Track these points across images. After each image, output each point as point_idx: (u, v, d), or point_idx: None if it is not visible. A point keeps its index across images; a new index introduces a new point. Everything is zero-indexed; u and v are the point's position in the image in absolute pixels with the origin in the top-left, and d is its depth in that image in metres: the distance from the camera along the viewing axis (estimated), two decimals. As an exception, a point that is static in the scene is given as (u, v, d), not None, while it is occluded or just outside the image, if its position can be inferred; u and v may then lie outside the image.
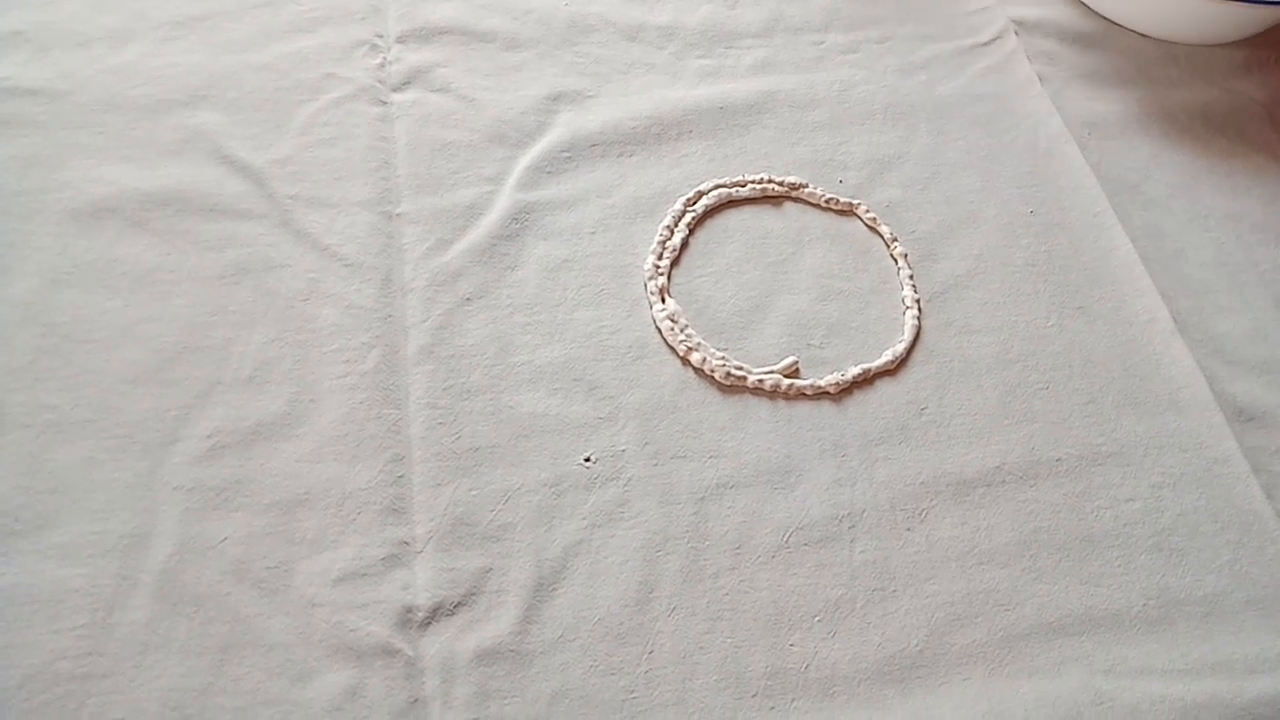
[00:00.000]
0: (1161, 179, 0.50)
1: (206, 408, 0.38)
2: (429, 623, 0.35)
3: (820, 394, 0.41)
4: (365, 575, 0.35)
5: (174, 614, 0.34)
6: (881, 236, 0.46)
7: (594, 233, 0.45)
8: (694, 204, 0.46)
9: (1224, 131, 0.52)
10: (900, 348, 0.42)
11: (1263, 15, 0.52)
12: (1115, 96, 0.53)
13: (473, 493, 0.37)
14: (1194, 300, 0.45)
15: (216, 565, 0.35)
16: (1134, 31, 0.55)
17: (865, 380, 0.41)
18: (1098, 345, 0.43)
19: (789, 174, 0.47)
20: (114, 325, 0.40)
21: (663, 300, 0.43)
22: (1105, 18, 0.56)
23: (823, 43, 0.54)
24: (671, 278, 0.44)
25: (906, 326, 0.43)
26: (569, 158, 0.47)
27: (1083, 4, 0.57)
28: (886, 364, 0.42)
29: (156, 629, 0.34)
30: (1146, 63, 0.54)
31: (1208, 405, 0.41)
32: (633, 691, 0.34)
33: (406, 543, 0.36)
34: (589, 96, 0.50)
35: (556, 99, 0.49)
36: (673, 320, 0.42)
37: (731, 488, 0.38)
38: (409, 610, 0.35)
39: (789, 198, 0.47)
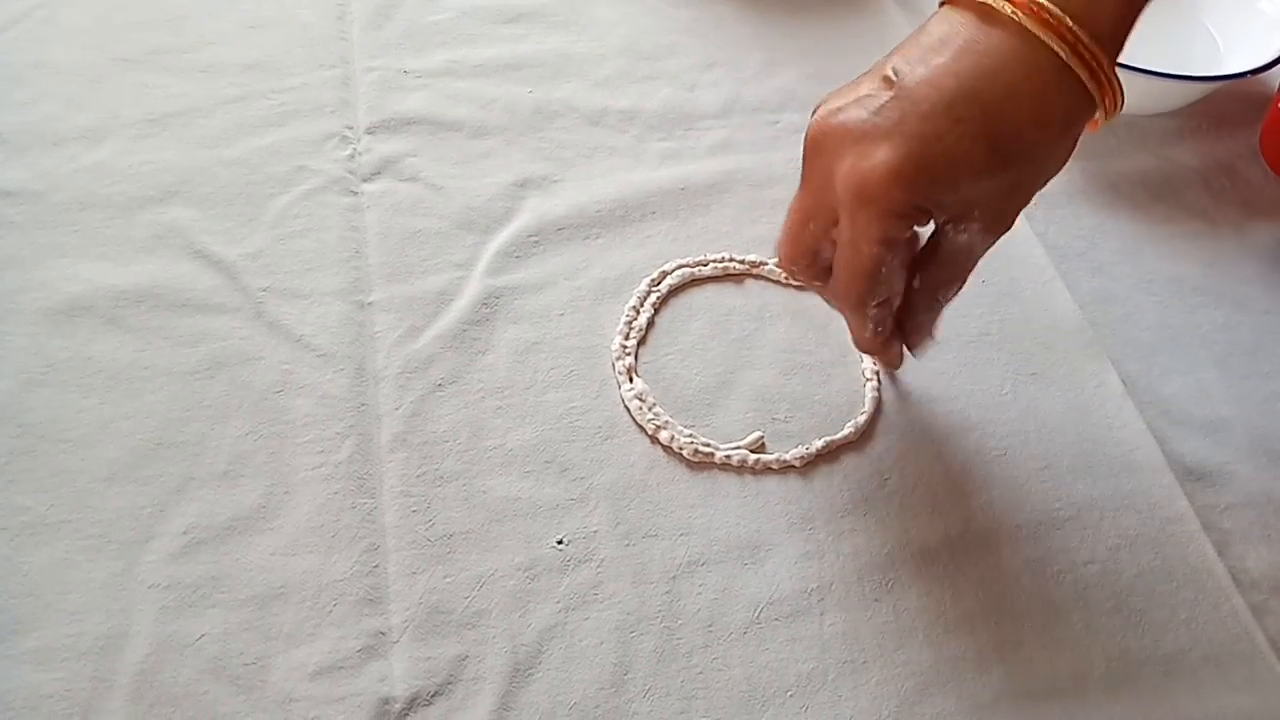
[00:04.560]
0: (1106, 246, 0.52)
1: (181, 504, 0.39)
2: (406, 714, 0.35)
3: (786, 468, 0.42)
4: (342, 668, 0.36)
5: (150, 715, 0.34)
6: (840, 310, 0.47)
7: (562, 315, 0.46)
8: (658, 284, 0.48)
9: (1163, 198, 0.54)
10: (862, 419, 0.43)
11: (1193, 89, 0.55)
12: (1059, 167, 0.55)
13: (447, 580, 0.38)
14: (1141, 363, 0.47)
15: (193, 664, 0.35)
16: (1073, 104, 0.58)
17: (829, 453, 0.43)
18: (1051, 411, 0.45)
19: (750, 252, 0.49)
20: (89, 424, 0.41)
21: (630, 380, 0.44)
22: (1046, 91, 0.59)
23: (778, 122, 0.56)
24: (639, 357, 0.45)
25: (867, 398, 0.44)
26: (536, 242, 0.49)
27: (1024, 78, 0.59)
28: (849, 436, 0.43)
29: (133, 732, 0.34)
30: (1087, 134, 0.57)
31: (1159, 466, 0.43)
32: (610, 776, 0.34)
33: (383, 633, 0.37)
34: (554, 181, 0.51)
35: (523, 185, 0.51)
36: (641, 399, 0.43)
37: (702, 565, 0.39)
38: (386, 702, 0.35)
39: (750, 275, 0.49)
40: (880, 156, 0.31)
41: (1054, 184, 0.53)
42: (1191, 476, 0.43)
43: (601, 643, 0.37)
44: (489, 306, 0.46)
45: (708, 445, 0.42)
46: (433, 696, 0.35)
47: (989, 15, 0.32)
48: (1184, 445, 0.44)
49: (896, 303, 0.36)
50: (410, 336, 0.45)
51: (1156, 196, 0.54)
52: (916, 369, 0.45)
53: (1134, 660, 0.38)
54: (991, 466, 0.43)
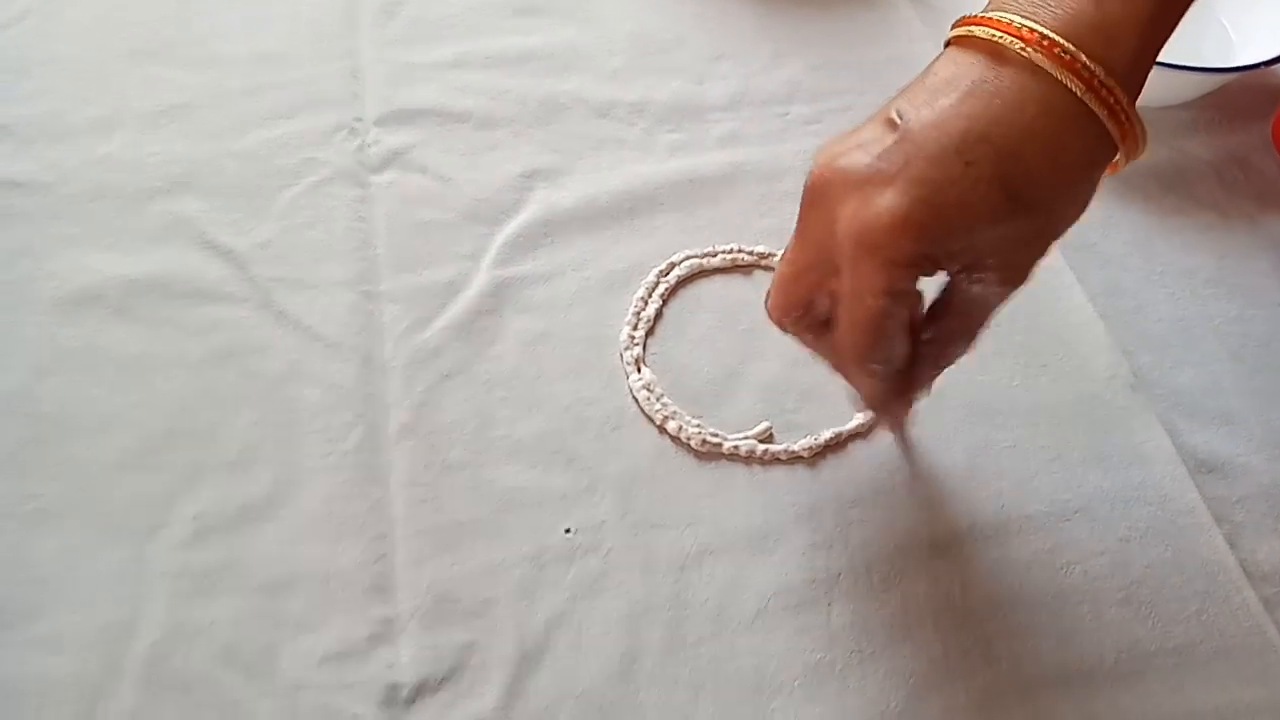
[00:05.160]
0: (1118, 237, 0.51)
1: (192, 492, 0.39)
2: (413, 700, 0.35)
3: (794, 458, 0.42)
4: (350, 655, 0.36)
5: (160, 701, 0.34)
6: (849, 302, 0.47)
7: (570, 306, 0.46)
8: (667, 275, 0.48)
9: (1174, 190, 0.54)
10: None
11: (1205, 81, 0.54)
12: (1069, 158, 0.55)
13: (455, 568, 0.38)
14: (1153, 355, 0.46)
15: (203, 650, 0.35)
16: (1084, 96, 0.58)
17: (838, 444, 0.42)
18: (1062, 403, 0.44)
19: (758, 243, 0.49)
20: (99, 413, 0.41)
21: (639, 370, 0.44)
22: (1056, 83, 0.58)
23: (787, 114, 0.56)
24: (647, 348, 0.45)
25: (876, 389, 0.44)
26: (545, 233, 0.49)
27: (1034, 70, 0.59)
28: (858, 427, 0.43)
29: (142, 718, 0.34)
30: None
31: (1170, 458, 0.43)
32: (618, 764, 0.34)
33: (390, 621, 0.37)
34: (563, 173, 0.51)
35: (531, 176, 0.51)
36: (649, 390, 0.43)
37: (711, 555, 0.39)
38: (394, 688, 0.35)
39: (759, 266, 0.49)
40: (885, 203, 0.29)
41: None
42: (1203, 468, 0.43)
43: (609, 632, 0.37)
44: (497, 297, 0.46)
45: (716, 436, 0.42)
46: (440, 683, 0.35)
47: (999, 54, 0.29)
48: (1196, 437, 0.44)
49: (902, 356, 0.33)
50: (418, 327, 0.45)
51: (1168, 188, 0.54)
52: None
53: (1144, 653, 0.38)
54: (1001, 458, 0.42)
